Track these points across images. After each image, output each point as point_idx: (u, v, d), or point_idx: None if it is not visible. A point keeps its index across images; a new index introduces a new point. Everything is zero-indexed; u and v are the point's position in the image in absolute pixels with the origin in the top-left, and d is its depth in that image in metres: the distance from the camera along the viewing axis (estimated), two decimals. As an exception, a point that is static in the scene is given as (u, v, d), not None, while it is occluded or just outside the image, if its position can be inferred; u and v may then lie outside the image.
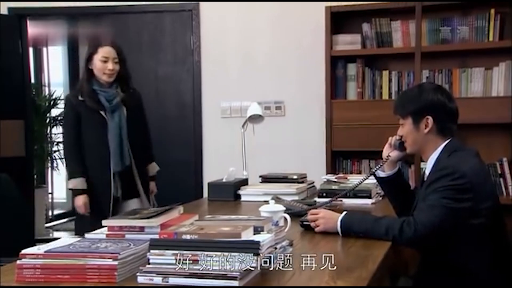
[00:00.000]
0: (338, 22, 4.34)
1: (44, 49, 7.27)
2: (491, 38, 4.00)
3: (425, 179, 2.26)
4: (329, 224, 2.20)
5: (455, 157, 2.16)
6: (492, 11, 3.98)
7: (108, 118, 3.23)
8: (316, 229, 2.23)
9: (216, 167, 4.78)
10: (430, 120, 2.23)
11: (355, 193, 2.81)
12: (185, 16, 4.92)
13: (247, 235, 1.64)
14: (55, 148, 7.00)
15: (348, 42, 4.29)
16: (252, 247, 1.55)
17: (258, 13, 4.72)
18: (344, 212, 2.21)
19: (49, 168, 7.08)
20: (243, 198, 3.15)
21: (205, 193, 4.78)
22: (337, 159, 4.37)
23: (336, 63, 4.32)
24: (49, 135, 7.06)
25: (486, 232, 2.10)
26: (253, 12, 4.73)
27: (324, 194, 2.90)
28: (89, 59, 3.25)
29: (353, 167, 4.37)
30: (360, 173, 4.28)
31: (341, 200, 2.81)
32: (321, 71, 4.28)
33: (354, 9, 4.23)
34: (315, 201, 2.88)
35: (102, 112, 3.23)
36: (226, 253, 1.54)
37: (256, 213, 2.27)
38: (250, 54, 4.79)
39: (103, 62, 3.21)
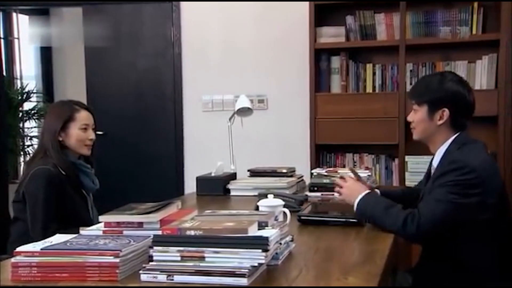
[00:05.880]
0: (322, 14, 4.29)
1: (16, 40, 7.06)
2: (474, 31, 4.00)
3: (433, 171, 2.23)
4: (350, 197, 2.20)
5: (465, 151, 2.13)
6: (475, 4, 3.98)
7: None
8: (337, 196, 2.19)
9: (197, 162, 4.72)
10: (446, 112, 2.19)
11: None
12: (166, 7, 4.81)
13: (253, 231, 1.59)
14: (28, 143, 6.82)
15: (332, 35, 4.24)
16: (261, 243, 1.51)
17: (241, 4, 4.64)
18: (366, 192, 2.19)
19: (22, 163, 6.89)
20: (232, 193, 3.09)
21: (186, 188, 4.74)
22: (321, 153, 4.34)
23: (319, 56, 4.27)
24: (21, 129, 6.88)
25: (492, 227, 2.07)
26: (236, 3, 4.65)
27: (315, 188, 2.87)
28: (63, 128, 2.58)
29: (337, 161, 4.34)
30: (344, 166, 4.25)
31: (332, 194, 2.78)
32: (304, 64, 4.22)
33: (338, 1, 4.19)
34: (306, 195, 2.84)
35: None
36: (233, 250, 1.49)
37: (248, 208, 2.23)
38: (232, 46, 4.71)
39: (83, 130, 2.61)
